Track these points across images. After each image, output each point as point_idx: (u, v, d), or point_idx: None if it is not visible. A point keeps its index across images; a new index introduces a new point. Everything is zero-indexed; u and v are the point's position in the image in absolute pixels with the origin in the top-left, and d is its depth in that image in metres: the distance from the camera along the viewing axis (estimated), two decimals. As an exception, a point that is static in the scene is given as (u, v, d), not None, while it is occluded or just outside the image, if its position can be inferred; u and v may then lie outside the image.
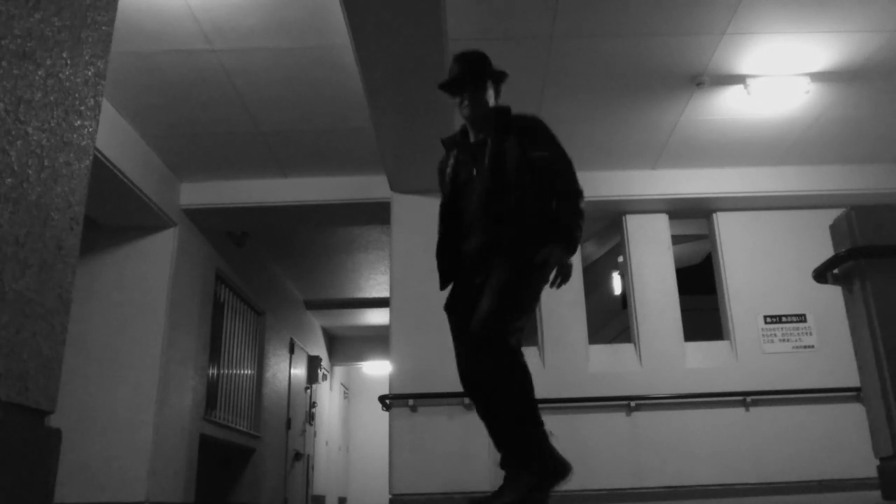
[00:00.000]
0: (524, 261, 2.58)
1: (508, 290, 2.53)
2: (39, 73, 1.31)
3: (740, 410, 5.35)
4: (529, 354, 3.41)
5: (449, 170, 2.88)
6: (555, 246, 2.58)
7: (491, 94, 2.83)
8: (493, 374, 2.47)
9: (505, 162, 2.69)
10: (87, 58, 1.49)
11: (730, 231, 5.90)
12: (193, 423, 6.00)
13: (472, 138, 2.86)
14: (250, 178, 5.92)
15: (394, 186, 5.75)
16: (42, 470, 1.28)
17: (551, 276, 2.64)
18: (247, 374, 7.56)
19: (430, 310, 5.43)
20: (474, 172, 2.76)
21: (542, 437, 2.46)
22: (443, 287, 2.81)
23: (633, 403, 5.32)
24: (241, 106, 4.89)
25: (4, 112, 1.21)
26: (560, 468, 2.42)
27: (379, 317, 10.12)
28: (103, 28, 1.56)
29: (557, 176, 2.70)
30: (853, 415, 5.00)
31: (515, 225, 2.63)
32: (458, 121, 3.00)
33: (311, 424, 10.01)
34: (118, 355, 5.37)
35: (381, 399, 5.44)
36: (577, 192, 2.70)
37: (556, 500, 2.54)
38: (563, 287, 2.69)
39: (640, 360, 5.55)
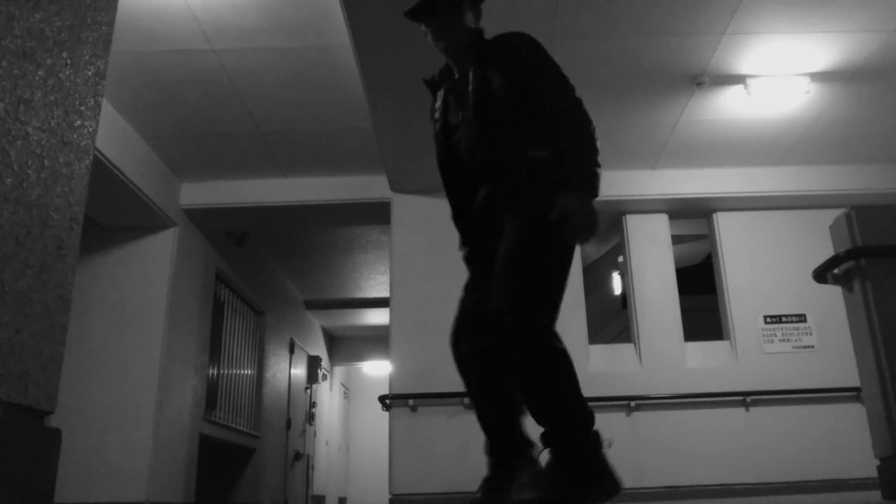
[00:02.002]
0: (537, 221, 2.08)
1: (525, 267, 2.06)
2: (39, 73, 1.31)
3: (740, 410, 5.35)
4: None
5: (437, 115, 2.39)
6: (570, 194, 2.06)
7: (470, 16, 2.31)
8: (526, 377, 2.06)
9: (489, 98, 2.18)
10: (87, 58, 1.49)
11: (730, 231, 5.89)
12: (193, 423, 5.99)
13: (456, 74, 2.36)
14: (250, 178, 5.92)
15: (394, 186, 5.75)
16: (42, 470, 1.27)
17: (574, 232, 2.07)
18: (247, 374, 7.56)
19: (430, 310, 5.47)
20: (460, 116, 2.29)
21: (588, 444, 2.11)
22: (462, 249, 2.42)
23: (632, 403, 5.31)
24: (241, 106, 4.89)
25: (4, 112, 1.21)
26: (610, 484, 2.06)
27: (379, 317, 10.12)
28: (103, 28, 1.56)
29: (553, 106, 2.16)
30: (853, 415, 5.00)
31: (513, 174, 2.14)
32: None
33: (311, 424, 10.01)
34: (118, 355, 5.37)
35: (381, 399, 5.44)
36: (580, 121, 2.15)
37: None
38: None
39: (640, 360, 5.54)
